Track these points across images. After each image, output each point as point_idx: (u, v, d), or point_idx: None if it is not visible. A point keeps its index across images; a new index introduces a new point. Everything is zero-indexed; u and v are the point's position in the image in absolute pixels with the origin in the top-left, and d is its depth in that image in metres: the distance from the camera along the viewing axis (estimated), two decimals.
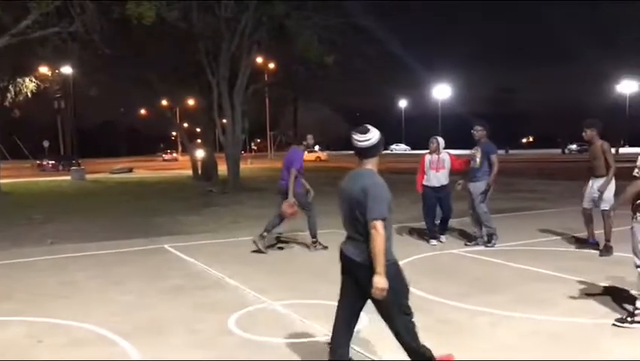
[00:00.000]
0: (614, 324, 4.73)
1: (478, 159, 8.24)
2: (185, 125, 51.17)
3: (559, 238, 9.13)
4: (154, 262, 7.83)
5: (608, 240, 7.58)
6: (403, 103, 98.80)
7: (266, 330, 4.85)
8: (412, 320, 3.63)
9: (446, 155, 8.61)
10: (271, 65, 27.23)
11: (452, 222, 10.55)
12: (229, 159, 20.40)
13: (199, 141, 33.01)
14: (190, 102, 30.74)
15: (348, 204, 3.56)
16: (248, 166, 40.30)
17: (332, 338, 3.73)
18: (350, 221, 3.58)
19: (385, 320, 3.60)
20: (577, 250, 8.12)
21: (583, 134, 7.77)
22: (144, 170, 42.56)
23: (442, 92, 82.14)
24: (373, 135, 3.58)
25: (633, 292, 5.21)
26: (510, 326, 4.88)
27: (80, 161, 38.89)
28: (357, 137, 3.57)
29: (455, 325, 4.92)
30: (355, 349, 4.29)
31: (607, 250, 7.55)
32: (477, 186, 8.27)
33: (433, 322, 4.97)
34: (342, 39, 19.57)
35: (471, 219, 8.71)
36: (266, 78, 27.43)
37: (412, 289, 5.93)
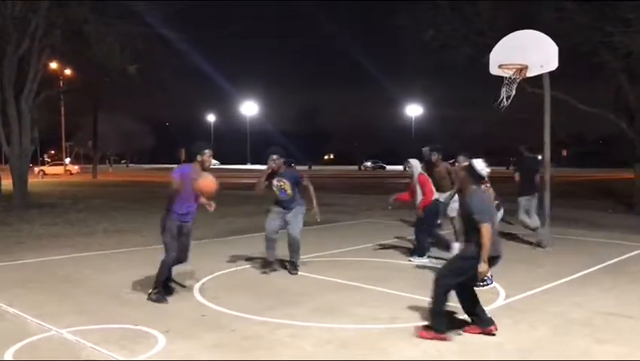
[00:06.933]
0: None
1: (289, 191, 7.47)
2: None
3: (358, 247, 9.76)
4: None
5: (456, 239, 8.40)
6: (211, 117, 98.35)
7: None
8: None
9: None
10: (68, 71, 25.18)
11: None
12: (14, 172, 18.34)
13: None
14: None
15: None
16: (39, 180, 36.75)
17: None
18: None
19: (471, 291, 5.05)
20: (373, 259, 8.75)
21: (432, 157, 8.97)
22: None
23: (250, 108, 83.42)
24: None
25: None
26: (308, 335, 5.05)
27: None
28: (484, 165, 4.73)
29: (256, 339, 4.94)
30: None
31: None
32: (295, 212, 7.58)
33: (235, 338, 4.95)
34: (146, 49, 18.81)
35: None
36: (61, 84, 25.28)
37: (214, 307, 5.90)
